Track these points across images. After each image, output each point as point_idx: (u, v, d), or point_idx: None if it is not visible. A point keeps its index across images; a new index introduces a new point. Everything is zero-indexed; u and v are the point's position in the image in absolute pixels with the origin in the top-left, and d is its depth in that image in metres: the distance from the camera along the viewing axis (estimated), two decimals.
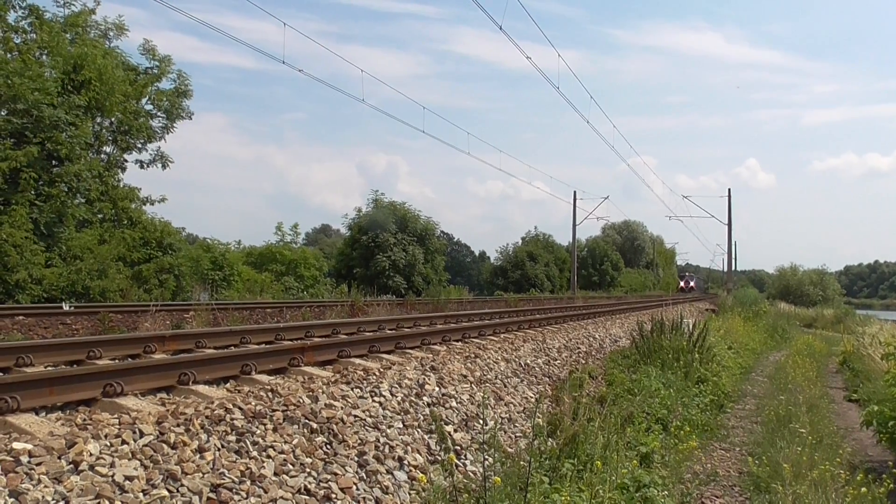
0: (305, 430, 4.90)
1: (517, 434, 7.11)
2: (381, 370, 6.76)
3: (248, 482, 4.09)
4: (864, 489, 5.55)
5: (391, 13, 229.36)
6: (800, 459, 6.59)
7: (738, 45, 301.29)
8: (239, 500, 3.93)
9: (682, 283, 77.42)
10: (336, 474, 4.64)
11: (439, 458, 5.41)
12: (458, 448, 5.96)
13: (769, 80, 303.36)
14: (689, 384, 10.77)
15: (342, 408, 5.47)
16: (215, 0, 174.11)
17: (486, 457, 4.83)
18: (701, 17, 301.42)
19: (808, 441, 7.43)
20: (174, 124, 27.44)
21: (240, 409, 4.74)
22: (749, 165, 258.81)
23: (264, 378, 6.06)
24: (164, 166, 27.38)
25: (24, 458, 3.42)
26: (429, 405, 6.41)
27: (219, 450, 4.21)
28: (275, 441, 4.58)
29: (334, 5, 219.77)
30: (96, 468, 3.56)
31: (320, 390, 5.61)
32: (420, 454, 5.51)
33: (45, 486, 3.31)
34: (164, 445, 3.97)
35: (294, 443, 4.69)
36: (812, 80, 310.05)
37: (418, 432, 5.82)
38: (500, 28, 16.40)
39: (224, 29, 23.41)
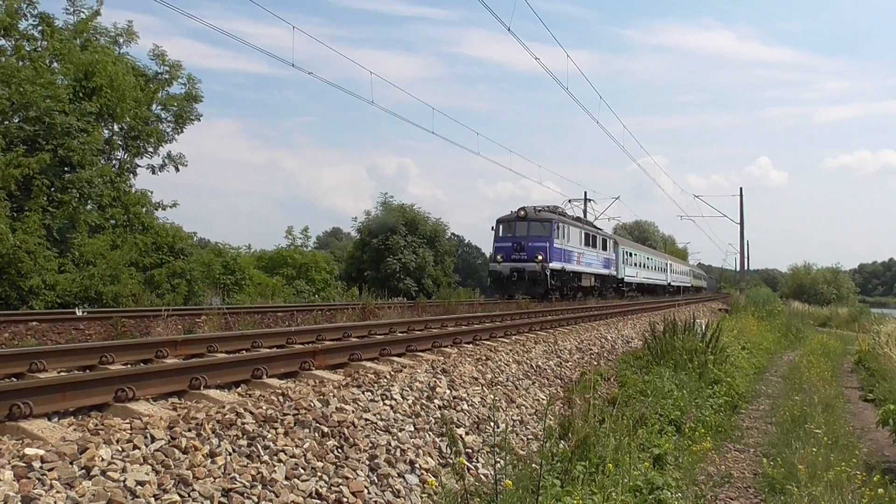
0: (316, 434, 4.90)
1: (529, 436, 7.08)
2: (392, 373, 6.76)
3: (260, 486, 4.09)
4: (881, 490, 5.48)
5: (401, 16, 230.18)
6: (815, 460, 6.52)
7: (750, 44, 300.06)
8: None
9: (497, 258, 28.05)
10: (347, 478, 4.64)
11: (450, 462, 5.39)
12: (470, 451, 5.94)
13: (781, 77, 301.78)
14: (702, 385, 10.69)
15: (353, 411, 5.46)
16: (226, 6, 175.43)
17: (498, 460, 4.81)
18: (712, 16, 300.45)
19: (824, 442, 7.36)
20: (183, 128, 27.65)
21: (251, 413, 4.74)
22: (761, 164, 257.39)
23: (275, 382, 6.06)
24: (176, 168, 27.58)
25: (37, 464, 3.43)
26: (440, 408, 6.40)
27: (230, 454, 4.21)
28: (286, 445, 4.58)
29: (344, 10, 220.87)
30: (108, 473, 3.57)
31: (331, 394, 5.61)
32: (431, 457, 5.49)
33: (58, 492, 3.32)
34: (176, 450, 3.98)
35: (305, 447, 4.69)
36: (824, 78, 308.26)
37: (429, 435, 5.80)
38: (509, 29, 16.12)
39: (234, 34, 23.53)
